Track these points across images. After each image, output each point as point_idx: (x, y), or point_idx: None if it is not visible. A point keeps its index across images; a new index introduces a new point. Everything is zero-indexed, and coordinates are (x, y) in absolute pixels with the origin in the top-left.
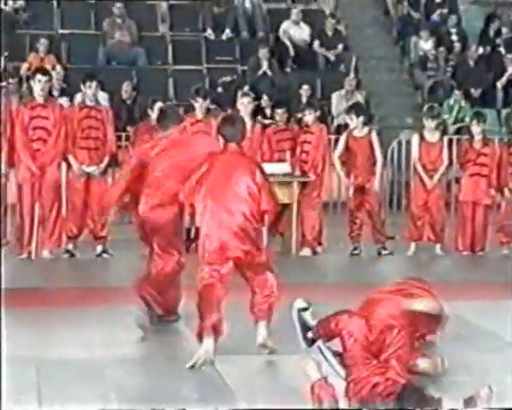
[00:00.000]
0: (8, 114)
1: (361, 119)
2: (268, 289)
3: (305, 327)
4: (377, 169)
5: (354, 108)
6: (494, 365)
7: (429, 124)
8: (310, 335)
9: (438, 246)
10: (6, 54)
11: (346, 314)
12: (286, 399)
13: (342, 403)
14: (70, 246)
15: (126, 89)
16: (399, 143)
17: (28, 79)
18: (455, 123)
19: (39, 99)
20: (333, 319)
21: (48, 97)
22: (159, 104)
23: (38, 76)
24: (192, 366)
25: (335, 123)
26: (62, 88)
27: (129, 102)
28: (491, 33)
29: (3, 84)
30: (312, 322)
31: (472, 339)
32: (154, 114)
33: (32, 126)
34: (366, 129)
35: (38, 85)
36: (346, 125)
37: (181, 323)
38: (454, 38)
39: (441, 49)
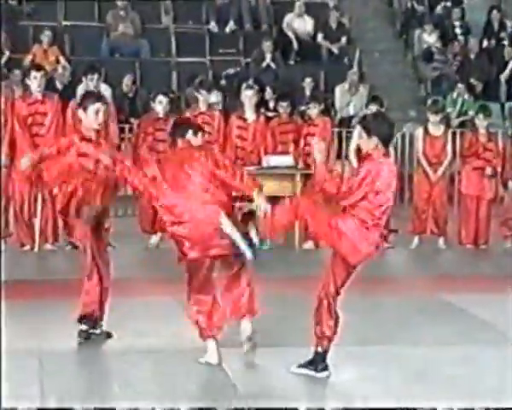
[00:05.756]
0: (10, 107)
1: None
2: None
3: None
4: None
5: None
6: (494, 359)
7: (434, 118)
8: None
9: (441, 239)
10: (9, 45)
11: None
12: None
13: None
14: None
15: (127, 83)
16: (403, 136)
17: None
18: (458, 116)
19: (37, 95)
20: None
21: (44, 92)
22: (161, 97)
23: (33, 73)
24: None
25: (339, 116)
26: (68, 81)
27: (130, 94)
28: (496, 26)
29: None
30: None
31: (473, 333)
32: (157, 107)
33: (31, 122)
34: None
35: (35, 82)
36: (350, 119)
37: None
38: (458, 31)
39: (455, 43)
